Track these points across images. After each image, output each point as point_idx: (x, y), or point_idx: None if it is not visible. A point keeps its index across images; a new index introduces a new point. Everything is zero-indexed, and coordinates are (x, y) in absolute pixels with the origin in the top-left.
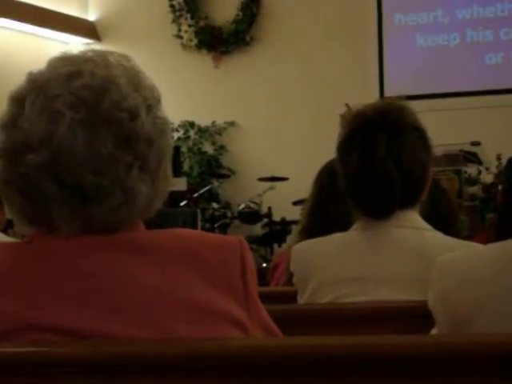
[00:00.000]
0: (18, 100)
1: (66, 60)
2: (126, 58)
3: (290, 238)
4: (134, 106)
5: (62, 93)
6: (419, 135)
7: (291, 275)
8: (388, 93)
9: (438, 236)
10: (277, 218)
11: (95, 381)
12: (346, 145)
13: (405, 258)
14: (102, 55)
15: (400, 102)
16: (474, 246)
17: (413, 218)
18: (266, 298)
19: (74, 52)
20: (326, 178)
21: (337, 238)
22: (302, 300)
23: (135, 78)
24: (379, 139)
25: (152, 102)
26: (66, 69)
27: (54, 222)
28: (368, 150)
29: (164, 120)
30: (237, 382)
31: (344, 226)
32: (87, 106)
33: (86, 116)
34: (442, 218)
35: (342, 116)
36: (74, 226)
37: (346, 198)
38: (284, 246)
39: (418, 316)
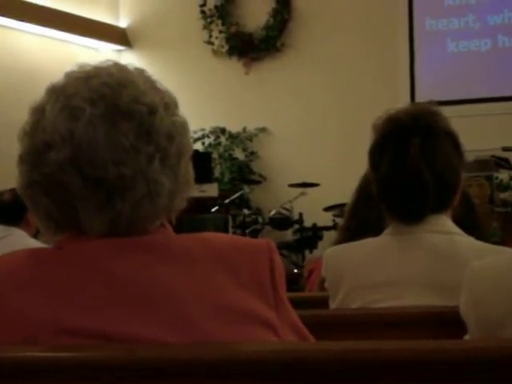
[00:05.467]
0: (39, 109)
1: (82, 67)
2: (142, 69)
3: (321, 244)
4: (152, 102)
5: (80, 91)
6: (451, 140)
7: (323, 280)
8: (419, 98)
9: (470, 241)
10: (308, 223)
11: None
12: (378, 148)
13: (436, 264)
14: (118, 64)
15: (432, 107)
16: (506, 252)
17: (444, 222)
18: (298, 304)
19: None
20: (367, 180)
21: (368, 242)
22: (333, 305)
23: (152, 82)
24: (412, 143)
25: (169, 102)
26: (83, 74)
27: (81, 223)
28: (401, 153)
29: (183, 121)
30: None
31: (380, 229)
32: (106, 101)
33: (106, 110)
34: (468, 229)
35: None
36: (100, 225)
37: (378, 202)
38: (317, 251)
39: (448, 321)
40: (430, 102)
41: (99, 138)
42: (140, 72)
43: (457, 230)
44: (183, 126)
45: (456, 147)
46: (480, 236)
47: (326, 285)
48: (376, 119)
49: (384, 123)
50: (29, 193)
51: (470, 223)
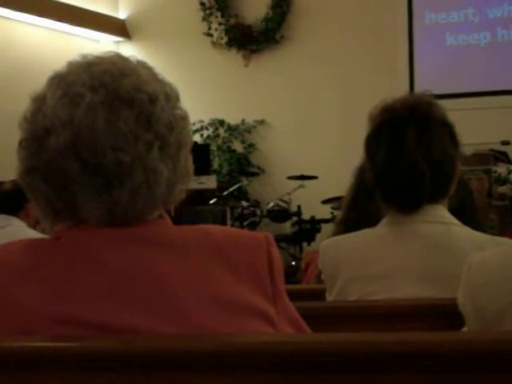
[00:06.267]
0: (40, 96)
1: (84, 57)
2: (144, 61)
3: (319, 237)
4: (154, 91)
5: (82, 78)
6: (447, 130)
7: (320, 272)
8: (418, 91)
9: (467, 231)
10: (306, 216)
11: (126, 376)
12: (374, 138)
13: (433, 254)
14: (120, 55)
15: (428, 97)
16: (504, 243)
17: (441, 212)
18: (295, 296)
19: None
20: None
21: (365, 233)
22: (330, 296)
23: (154, 73)
24: (408, 133)
25: (170, 93)
26: (85, 62)
27: (79, 209)
28: (397, 143)
29: (184, 114)
30: (265, 377)
31: (379, 222)
32: (107, 88)
33: (106, 97)
34: (466, 220)
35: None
36: (98, 212)
37: (374, 192)
38: (315, 243)
39: (446, 313)
40: (427, 93)
41: (99, 123)
42: (142, 64)
43: (454, 220)
44: (184, 119)
45: (452, 137)
46: (477, 226)
47: (323, 277)
48: (372, 108)
49: (380, 113)
50: (28, 179)
51: (468, 212)
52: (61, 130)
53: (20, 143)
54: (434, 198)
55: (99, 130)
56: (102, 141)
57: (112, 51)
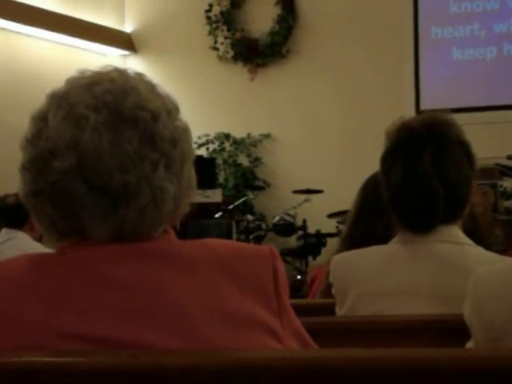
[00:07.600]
0: (40, 117)
1: (83, 74)
2: (142, 74)
3: (325, 251)
4: (155, 108)
5: (83, 98)
6: (464, 150)
7: (330, 286)
8: (424, 106)
9: (479, 251)
10: (312, 230)
11: None
12: (390, 156)
13: (445, 273)
14: (119, 69)
15: (446, 116)
16: None
17: (455, 232)
18: (301, 311)
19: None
20: (371, 189)
21: (377, 250)
22: (341, 311)
23: (153, 87)
24: (425, 153)
25: (171, 108)
26: (85, 80)
27: (86, 231)
28: (413, 162)
29: (185, 126)
30: None
31: (385, 239)
32: (109, 108)
33: (110, 117)
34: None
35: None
36: (105, 233)
37: (388, 210)
38: (321, 258)
39: (454, 329)
40: (445, 111)
41: (104, 145)
42: (140, 77)
43: (467, 240)
44: (185, 131)
45: (468, 157)
46: (482, 245)
47: (334, 291)
48: (390, 125)
49: (397, 130)
50: (33, 202)
51: (472, 231)
52: (66, 153)
53: (23, 165)
54: (448, 220)
55: (105, 152)
56: (108, 163)
57: (110, 65)
